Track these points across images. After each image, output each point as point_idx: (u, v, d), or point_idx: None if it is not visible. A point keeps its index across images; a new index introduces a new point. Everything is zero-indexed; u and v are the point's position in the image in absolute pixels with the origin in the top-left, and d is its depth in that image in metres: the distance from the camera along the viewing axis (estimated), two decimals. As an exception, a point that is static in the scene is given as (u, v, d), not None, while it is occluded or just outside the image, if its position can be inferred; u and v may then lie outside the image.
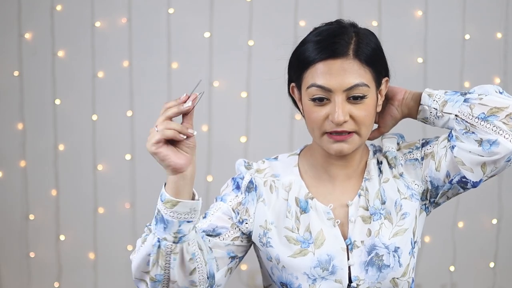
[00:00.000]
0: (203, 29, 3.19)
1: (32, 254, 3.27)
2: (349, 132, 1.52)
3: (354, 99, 1.51)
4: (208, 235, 1.58)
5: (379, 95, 1.58)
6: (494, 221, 3.29)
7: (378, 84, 1.56)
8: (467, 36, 3.21)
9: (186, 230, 1.42)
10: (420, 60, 3.21)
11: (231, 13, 3.21)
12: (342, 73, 1.50)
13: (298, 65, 1.55)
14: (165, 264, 1.44)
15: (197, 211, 1.43)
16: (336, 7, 3.18)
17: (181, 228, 1.41)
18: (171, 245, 1.42)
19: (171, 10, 3.19)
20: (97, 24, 3.19)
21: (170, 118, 1.38)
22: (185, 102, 1.38)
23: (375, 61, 1.54)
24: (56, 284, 3.28)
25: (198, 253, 1.47)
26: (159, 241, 1.42)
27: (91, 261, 3.28)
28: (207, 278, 1.50)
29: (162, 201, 1.41)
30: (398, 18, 3.21)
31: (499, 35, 3.21)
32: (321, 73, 1.50)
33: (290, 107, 1.69)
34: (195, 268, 1.46)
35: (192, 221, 1.42)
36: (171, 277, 1.45)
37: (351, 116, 1.51)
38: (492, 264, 3.32)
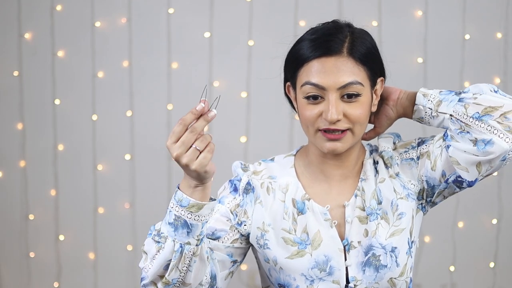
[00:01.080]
0: (203, 29, 3.19)
1: (32, 254, 3.27)
2: (343, 131, 1.52)
3: (348, 97, 1.51)
4: (207, 238, 1.58)
5: (374, 95, 1.57)
6: (494, 221, 3.29)
7: (373, 83, 1.55)
8: (467, 36, 3.21)
9: (204, 231, 1.45)
10: (420, 60, 3.21)
11: (231, 13, 3.21)
12: (335, 71, 1.49)
13: (293, 63, 1.55)
14: (184, 267, 1.43)
15: (214, 210, 1.47)
16: (336, 7, 3.17)
17: (202, 230, 1.43)
18: (194, 248, 1.43)
19: (171, 10, 3.19)
20: (97, 24, 3.19)
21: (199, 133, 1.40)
22: (204, 111, 1.41)
23: (370, 60, 1.53)
24: (56, 284, 3.28)
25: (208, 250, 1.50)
26: (181, 246, 1.42)
27: (91, 261, 3.28)
28: (210, 278, 1.50)
29: (184, 206, 1.40)
30: (398, 18, 3.21)
31: (499, 35, 3.21)
32: (315, 71, 1.50)
33: (290, 107, 1.69)
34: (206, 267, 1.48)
35: (208, 220, 1.45)
36: (186, 279, 1.45)
37: (345, 115, 1.51)
38: (492, 264, 3.31)
